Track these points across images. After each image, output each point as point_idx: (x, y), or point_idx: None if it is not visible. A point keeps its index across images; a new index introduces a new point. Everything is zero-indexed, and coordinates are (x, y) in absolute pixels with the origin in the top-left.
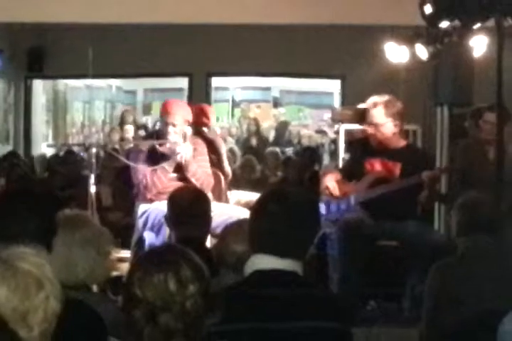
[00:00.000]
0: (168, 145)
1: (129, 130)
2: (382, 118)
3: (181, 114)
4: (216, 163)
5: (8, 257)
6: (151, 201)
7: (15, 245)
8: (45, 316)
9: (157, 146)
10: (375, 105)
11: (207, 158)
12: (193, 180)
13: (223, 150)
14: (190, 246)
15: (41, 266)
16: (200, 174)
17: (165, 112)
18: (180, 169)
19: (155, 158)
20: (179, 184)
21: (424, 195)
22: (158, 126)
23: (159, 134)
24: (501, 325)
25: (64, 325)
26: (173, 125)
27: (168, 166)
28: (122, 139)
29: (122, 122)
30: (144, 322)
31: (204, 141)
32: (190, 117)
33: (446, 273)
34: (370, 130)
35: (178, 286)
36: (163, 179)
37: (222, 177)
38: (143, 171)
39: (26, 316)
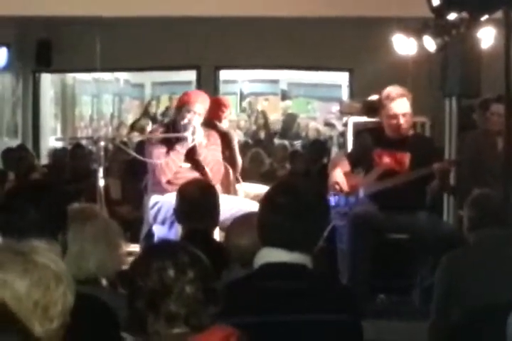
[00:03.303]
0: (182, 126)
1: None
2: (409, 107)
3: (204, 103)
4: (228, 156)
5: (26, 251)
6: (164, 191)
7: (26, 239)
8: (63, 309)
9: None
10: (402, 95)
11: (219, 148)
12: (205, 168)
13: (235, 142)
14: (198, 239)
15: (57, 260)
16: (211, 159)
17: (188, 101)
18: (193, 158)
19: (169, 145)
20: (192, 174)
21: (435, 184)
22: (167, 119)
23: (175, 124)
24: (510, 317)
25: (76, 320)
26: (199, 114)
27: (180, 148)
28: (131, 132)
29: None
30: (146, 310)
31: (217, 133)
32: (207, 107)
33: (456, 265)
34: (393, 121)
35: (177, 272)
36: (177, 161)
37: (230, 171)
38: (157, 156)
39: (47, 309)
